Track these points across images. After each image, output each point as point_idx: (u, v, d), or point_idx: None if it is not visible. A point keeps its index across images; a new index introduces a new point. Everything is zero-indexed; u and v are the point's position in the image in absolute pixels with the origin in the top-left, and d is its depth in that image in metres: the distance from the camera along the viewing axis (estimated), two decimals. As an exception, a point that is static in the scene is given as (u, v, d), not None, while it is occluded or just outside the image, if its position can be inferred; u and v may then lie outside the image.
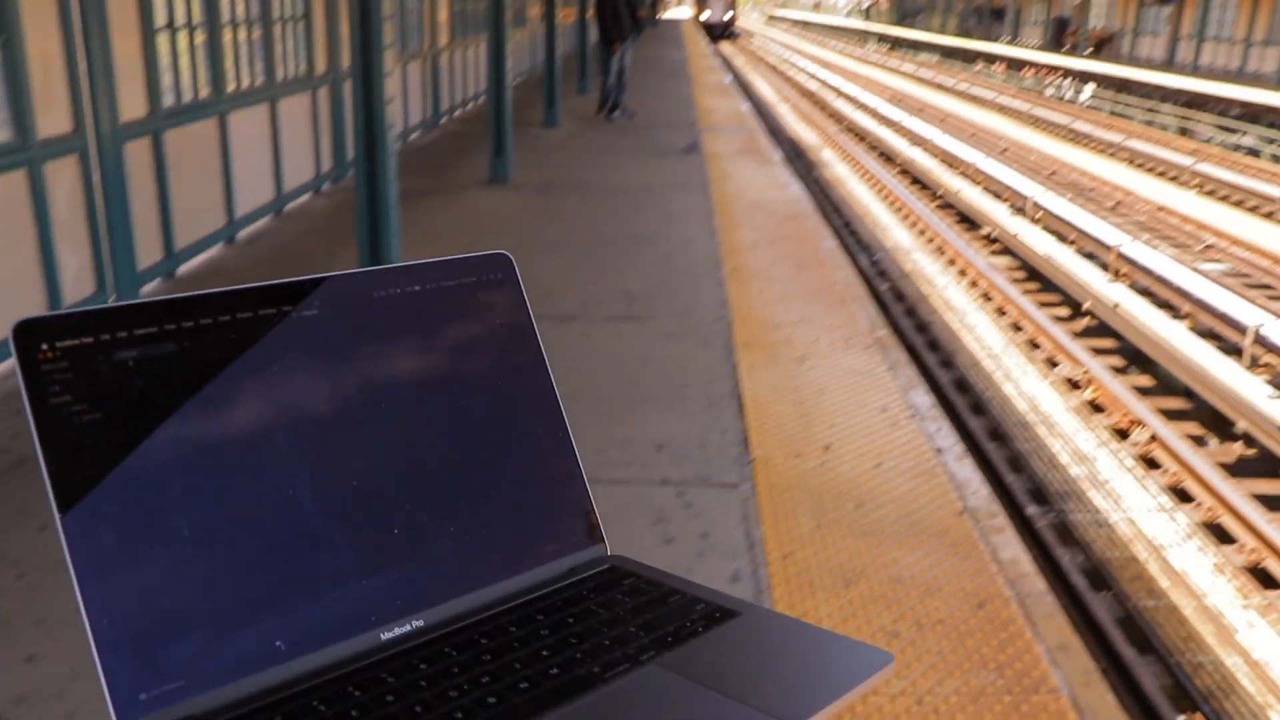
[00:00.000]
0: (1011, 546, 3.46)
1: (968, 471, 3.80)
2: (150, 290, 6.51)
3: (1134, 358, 10.53)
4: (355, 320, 0.84)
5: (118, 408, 0.71)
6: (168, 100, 6.83)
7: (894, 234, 15.09)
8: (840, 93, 33.36)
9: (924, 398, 4.46)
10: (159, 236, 6.78)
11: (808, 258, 7.05)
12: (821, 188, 18.48)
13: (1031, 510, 7.07)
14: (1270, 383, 9.12)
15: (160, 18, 6.73)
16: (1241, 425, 8.49)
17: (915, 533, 3.50)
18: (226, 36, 7.75)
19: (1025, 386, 9.20)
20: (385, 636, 0.79)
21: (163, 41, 6.78)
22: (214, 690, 0.71)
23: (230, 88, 7.80)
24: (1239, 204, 17.65)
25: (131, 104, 6.28)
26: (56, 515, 0.67)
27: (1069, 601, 6.12)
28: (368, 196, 5.95)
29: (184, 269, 7.04)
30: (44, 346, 0.69)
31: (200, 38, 7.37)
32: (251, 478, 0.76)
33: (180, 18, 7.10)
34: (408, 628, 0.81)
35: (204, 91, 7.46)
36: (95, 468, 0.69)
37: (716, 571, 3.17)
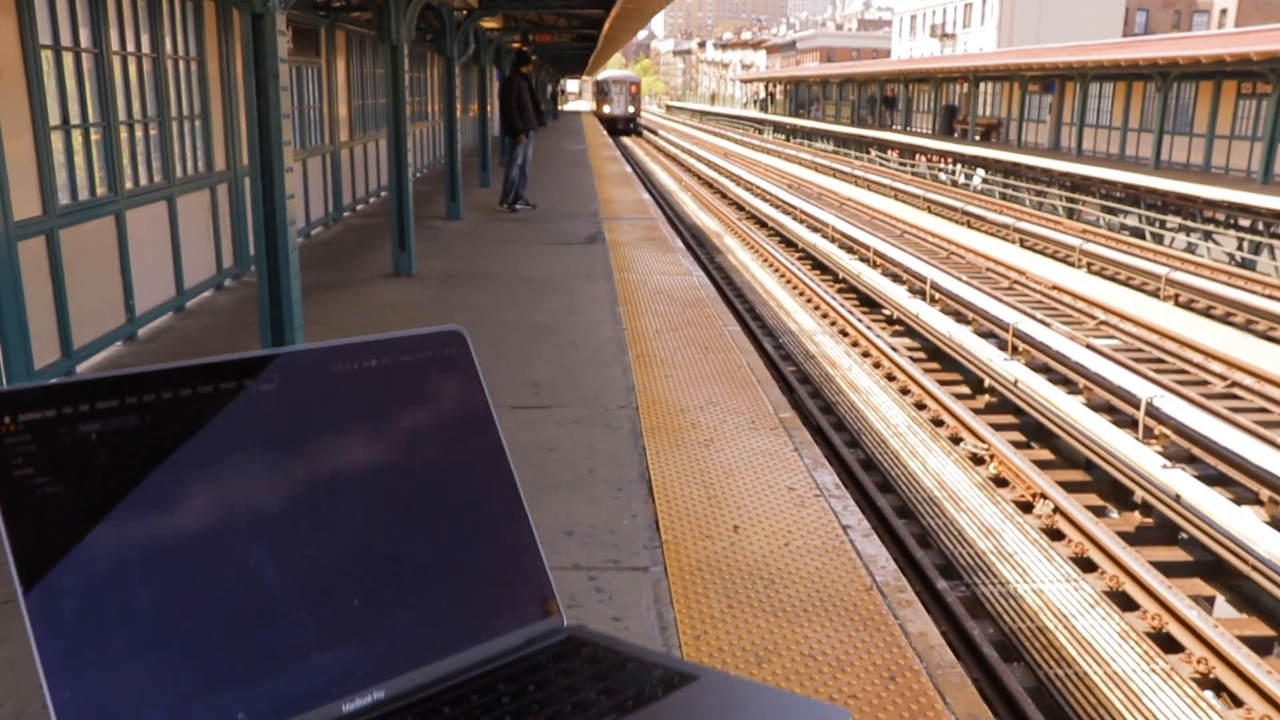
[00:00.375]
0: (920, 620, 3.49)
1: (875, 548, 3.85)
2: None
3: (1034, 432, 10.79)
4: (313, 395, 0.85)
5: (81, 481, 0.71)
6: (63, 199, 6.73)
7: (797, 317, 15.37)
8: (740, 180, 34.07)
9: (829, 476, 4.52)
10: (55, 336, 6.63)
11: (712, 343, 7.14)
12: (725, 273, 18.79)
13: (942, 585, 7.15)
14: (1163, 453, 9.40)
15: (55, 116, 6.66)
16: (1139, 495, 8.73)
17: (825, 609, 3.51)
18: (122, 135, 7.69)
19: (931, 463, 9.36)
20: (347, 708, 0.79)
21: (57, 140, 6.70)
22: None
23: (127, 185, 7.72)
24: (1126, 282, 18.33)
25: (25, 203, 6.18)
26: (20, 590, 0.67)
27: (981, 673, 6.18)
28: (270, 292, 5.91)
29: (82, 367, 6.87)
30: (6, 420, 0.69)
31: (95, 136, 7.29)
32: (212, 551, 0.76)
33: (75, 116, 7.03)
34: (369, 699, 0.81)
35: (100, 189, 7.37)
36: (59, 542, 0.69)
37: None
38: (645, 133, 66.47)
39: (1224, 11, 64.98)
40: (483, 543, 0.93)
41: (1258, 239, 21.46)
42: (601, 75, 63.61)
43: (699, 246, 21.45)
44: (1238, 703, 6.16)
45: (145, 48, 8.14)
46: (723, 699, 0.86)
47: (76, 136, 7.08)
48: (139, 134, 8.07)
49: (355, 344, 0.90)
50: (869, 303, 16.17)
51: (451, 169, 14.08)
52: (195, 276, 9.07)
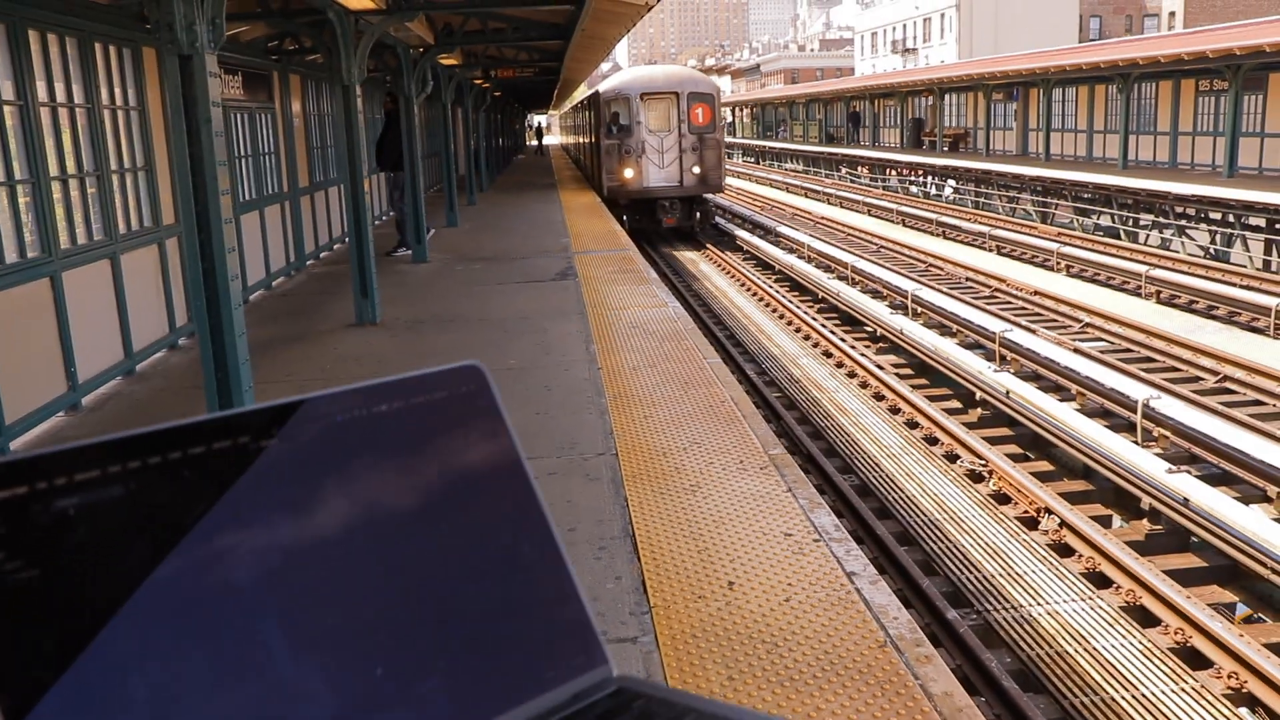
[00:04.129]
0: (942, 678, 3.11)
1: (884, 596, 3.47)
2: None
3: (1031, 443, 10.45)
4: (319, 448, 0.76)
5: (59, 563, 0.64)
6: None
7: (779, 340, 15.01)
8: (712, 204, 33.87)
9: (828, 518, 4.14)
10: (-13, 410, 6.22)
11: (692, 377, 6.77)
12: (702, 301, 18.45)
13: (952, 614, 6.77)
14: (1164, 456, 9.07)
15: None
16: (1146, 501, 8.39)
17: (837, 673, 3.13)
18: (55, 191, 7.28)
19: (929, 484, 9.00)
20: None
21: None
22: None
23: (63, 244, 7.30)
24: (1106, 282, 18.11)
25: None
26: None
27: (1003, 708, 5.81)
28: (215, 353, 5.51)
29: (17, 443, 6.45)
30: None
31: (24, 197, 6.89)
32: (214, 630, 0.68)
33: None
34: None
35: (31, 251, 6.95)
36: (36, 634, 0.62)
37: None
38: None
39: (1172, 14, 65.71)
40: (517, 593, 0.83)
41: (1229, 231, 21.33)
42: (617, 82, 26.58)
43: (674, 275, 21.13)
44: (1275, 717, 5.82)
45: (78, 98, 7.75)
46: None
47: (2, 195, 6.67)
48: (74, 189, 7.65)
49: (362, 389, 0.77)
50: (851, 321, 15.84)
51: (416, 209, 13.73)
52: (145, 337, 8.64)
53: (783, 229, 25.49)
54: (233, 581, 0.70)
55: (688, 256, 23.93)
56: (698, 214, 25.11)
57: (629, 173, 23.78)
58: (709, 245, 24.63)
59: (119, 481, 0.68)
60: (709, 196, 25.88)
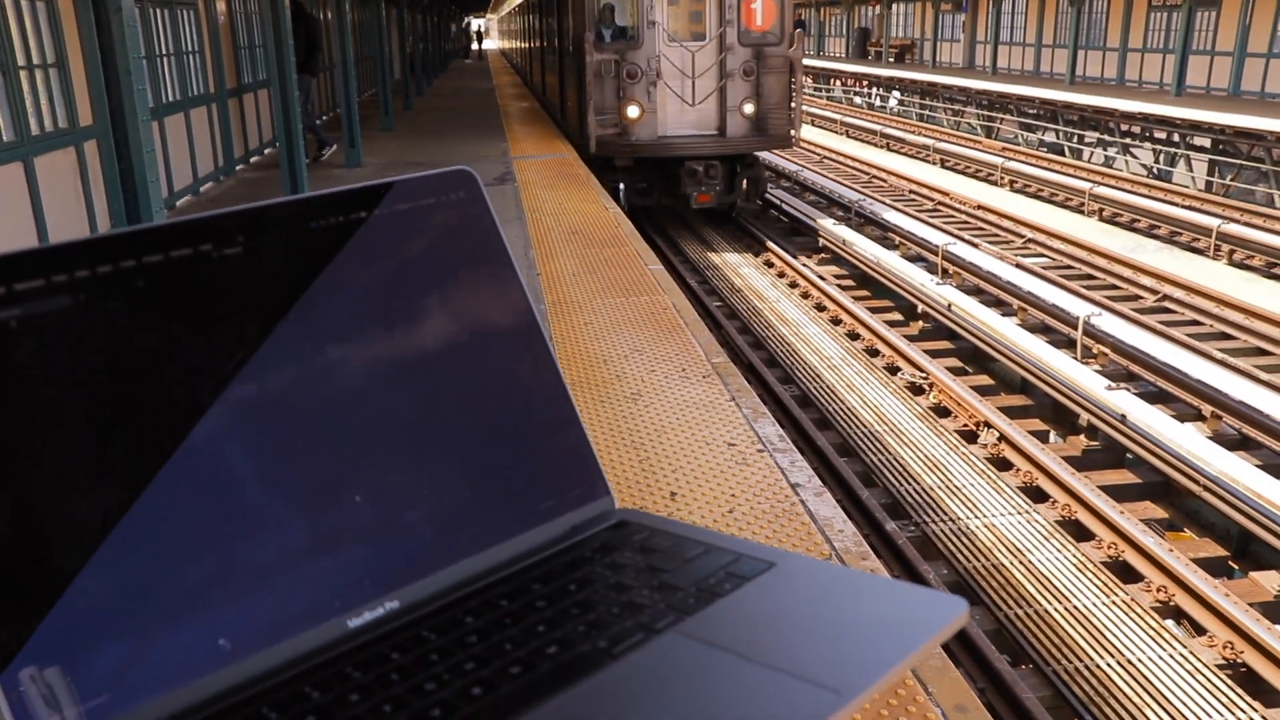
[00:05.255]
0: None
1: (830, 509, 3.38)
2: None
3: (971, 357, 10.48)
4: (290, 258, 0.70)
5: (3, 380, 0.59)
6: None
7: (721, 251, 14.87)
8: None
9: (772, 428, 4.05)
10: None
11: (634, 284, 6.62)
12: (644, 208, 18.20)
13: (891, 526, 6.77)
14: (1103, 372, 9.12)
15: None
16: (1084, 418, 8.44)
17: (780, 587, 3.03)
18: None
19: (869, 396, 8.98)
20: (353, 624, 0.68)
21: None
22: (145, 703, 0.60)
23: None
24: (1050, 199, 18.14)
25: None
26: None
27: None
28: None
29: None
30: None
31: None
32: (175, 451, 0.63)
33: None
34: (379, 611, 0.69)
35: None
36: None
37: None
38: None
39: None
40: (512, 417, 0.77)
41: (1174, 151, 21.43)
42: None
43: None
44: (1200, 630, 5.91)
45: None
46: (804, 590, 0.72)
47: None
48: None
49: (339, 194, 0.73)
50: (794, 232, 15.71)
51: (349, 112, 13.30)
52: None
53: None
54: (193, 401, 0.65)
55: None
56: (744, 183, 14.81)
57: (632, 111, 13.66)
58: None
59: (66, 292, 0.62)
60: (763, 156, 16.12)
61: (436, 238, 0.77)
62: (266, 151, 15.44)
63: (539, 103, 22.73)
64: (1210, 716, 5.07)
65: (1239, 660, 5.63)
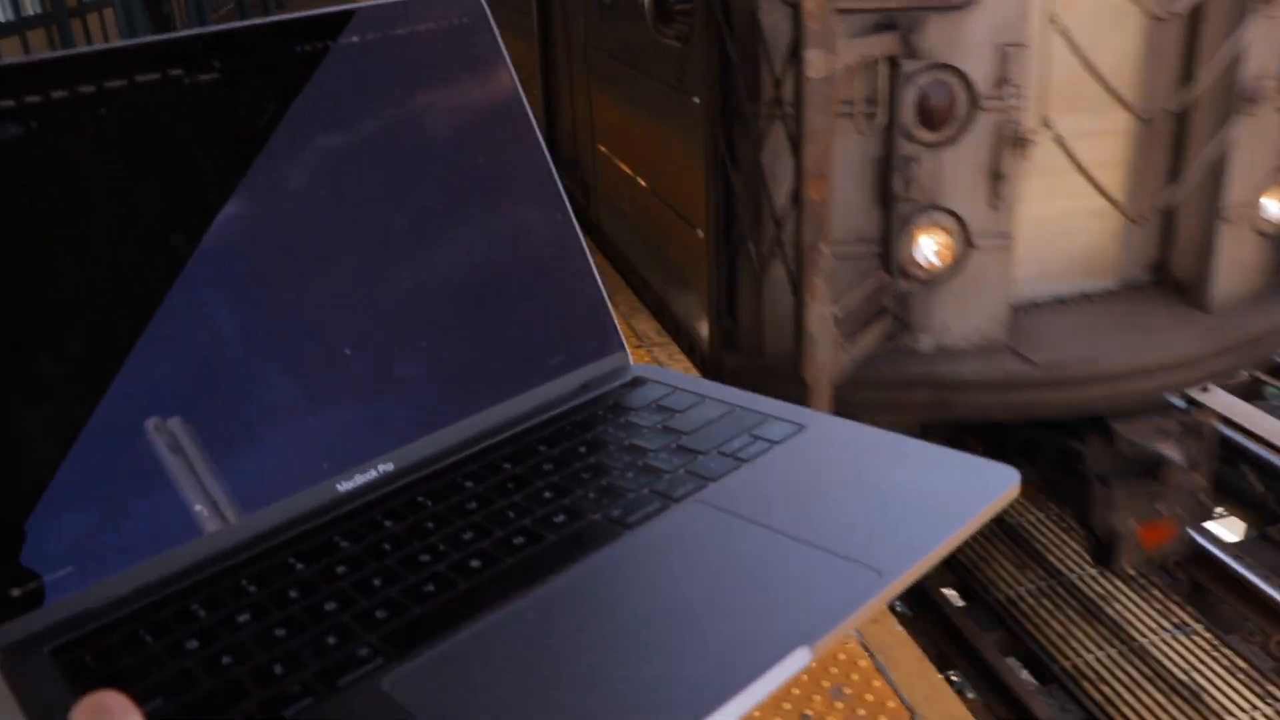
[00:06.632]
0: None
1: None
2: None
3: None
4: (272, 84, 0.63)
5: None
6: None
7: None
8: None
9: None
10: None
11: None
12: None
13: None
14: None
15: None
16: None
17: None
18: None
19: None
20: (343, 488, 0.63)
21: None
22: (114, 575, 0.55)
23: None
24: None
25: None
26: None
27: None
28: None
29: None
30: None
31: None
32: (144, 299, 0.58)
33: None
34: (372, 474, 0.64)
35: None
36: None
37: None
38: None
39: None
40: (519, 265, 0.70)
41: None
42: None
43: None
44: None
45: None
46: (838, 455, 0.65)
47: None
48: None
49: (326, 15, 0.64)
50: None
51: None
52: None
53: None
54: (162, 245, 0.60)
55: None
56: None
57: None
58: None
59: (15, 118, 0.56)
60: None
61: (438, 66, 0.70)
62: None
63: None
64: None
65: None
